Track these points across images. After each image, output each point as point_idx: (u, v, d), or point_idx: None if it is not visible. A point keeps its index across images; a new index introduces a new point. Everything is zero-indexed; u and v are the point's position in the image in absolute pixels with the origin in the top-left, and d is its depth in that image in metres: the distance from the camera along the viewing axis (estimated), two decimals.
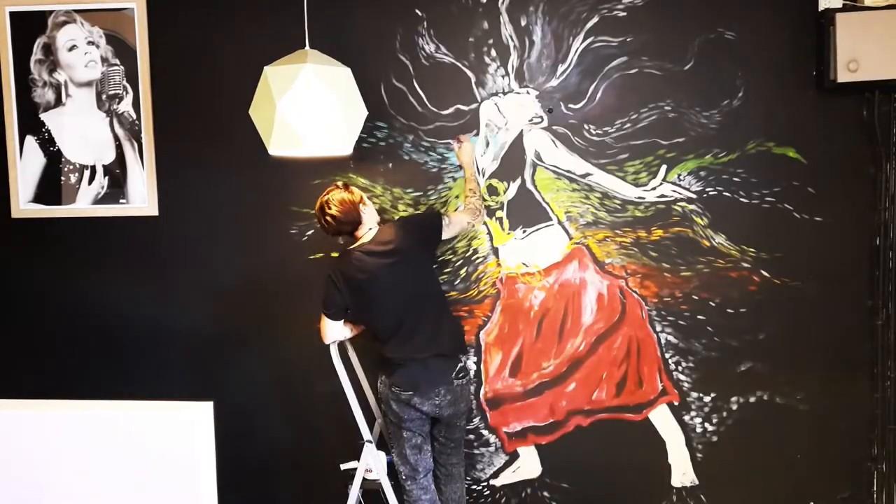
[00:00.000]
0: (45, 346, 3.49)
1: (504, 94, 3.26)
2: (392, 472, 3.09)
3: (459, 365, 3.01)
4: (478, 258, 3.32)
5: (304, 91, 2.65)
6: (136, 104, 3.37)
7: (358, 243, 2.98)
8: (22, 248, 3.47)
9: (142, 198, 3.40)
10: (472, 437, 3.37)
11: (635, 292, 3.27)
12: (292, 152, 2.81)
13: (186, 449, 3.42)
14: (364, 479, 3.10)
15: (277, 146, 2.72)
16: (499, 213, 3.30)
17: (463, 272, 3.32)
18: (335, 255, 3.22)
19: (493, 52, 3.24)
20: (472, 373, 3.25)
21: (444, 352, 2.97)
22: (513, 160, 3.27)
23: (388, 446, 3.10)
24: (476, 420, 3.36)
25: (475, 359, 3.34)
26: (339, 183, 3.04)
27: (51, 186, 3.43)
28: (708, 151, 3.20)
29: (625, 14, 3.18)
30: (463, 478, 3.16)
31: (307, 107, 2.66)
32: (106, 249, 3.44)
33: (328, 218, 2.91)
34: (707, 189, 3.21)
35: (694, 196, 3.22)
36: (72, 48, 3.38)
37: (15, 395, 3.50)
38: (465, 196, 3.16)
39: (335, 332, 3.01)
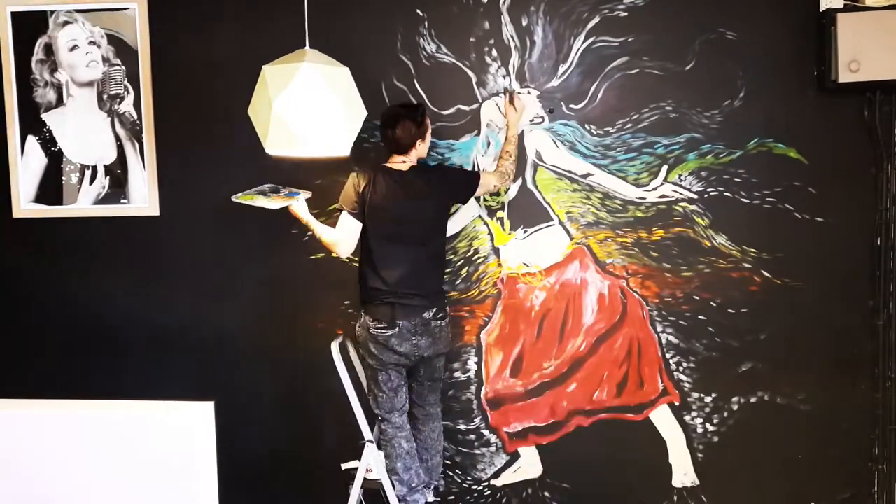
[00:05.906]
0: (46, 345, 3.49)
1: (505, 94, 3.26)
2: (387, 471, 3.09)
3: (437, 306, 3.01)
4: (479, 258, 3.32)
5: (301, 90, 2.63)
6: (136, 104, 3.37)
7: (398, 164, 3.04)
8: (23, 248, 3.47)
9: (143, 198, 3.40)
10: (472, 437, 3.37)
11: (636, 292, 3.27)
12: (289, 152, 2.79)
13: (186, 449, 3.42)
14: (365, 479, 3.10)
15: (274, 145, 2.70)
16: (500, 213, 3.30)
17: (464, 272, 3.32)
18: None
19: (495, 53, 3.24)
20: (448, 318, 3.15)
21: (424, 293, 2.98)
22: None
23: (366, 390, 3.11)
24: (477, 420, 3.36)
25: (476, 359, 3.34)
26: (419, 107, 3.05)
27: (52, 186, 3.43)
28: (709, 152, 3.20)
29: (626, 14, 3.18)
30: (441, 418, 3.18)
31: (304, 106, 2.64)
32: (107, 249, 3.44)
33: (390, 133, 2.99)
34: (708, 189, 3.21)
35: (695, 196, 3.22)
36: (73, 48, 3.39)
37: (15, 395, 3.50)
38: (501, 157, 3.17)
39: (344, 234, 2.99)
